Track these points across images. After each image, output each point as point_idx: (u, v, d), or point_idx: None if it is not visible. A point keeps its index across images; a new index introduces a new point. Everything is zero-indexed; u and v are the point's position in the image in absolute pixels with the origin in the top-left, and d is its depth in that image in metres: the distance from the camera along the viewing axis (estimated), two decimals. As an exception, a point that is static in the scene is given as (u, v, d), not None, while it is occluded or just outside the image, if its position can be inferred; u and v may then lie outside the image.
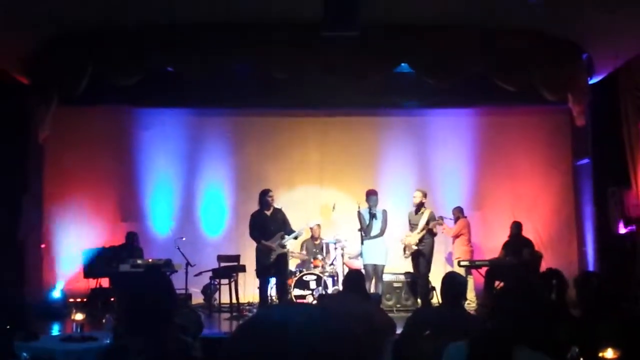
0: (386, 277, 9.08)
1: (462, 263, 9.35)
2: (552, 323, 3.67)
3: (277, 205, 8.74)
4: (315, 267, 9.29)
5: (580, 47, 8.65)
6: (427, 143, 10.75)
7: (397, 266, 9.31)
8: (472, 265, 9.33)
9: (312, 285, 8.95)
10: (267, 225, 8.49)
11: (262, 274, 8.57)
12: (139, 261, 8.80)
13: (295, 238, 9.11)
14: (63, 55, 8.29)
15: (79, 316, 5.14)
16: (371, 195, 8.73)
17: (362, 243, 8.74)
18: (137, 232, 9.78)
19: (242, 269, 9.33)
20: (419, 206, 8.86)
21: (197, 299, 9.63)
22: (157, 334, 2.55)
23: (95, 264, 9.19)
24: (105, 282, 9.29)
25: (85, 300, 9.08)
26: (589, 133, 9.21)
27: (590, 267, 9.24)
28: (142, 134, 10.61)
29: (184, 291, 8.80)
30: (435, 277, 8.24)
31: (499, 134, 10.64)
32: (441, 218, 9.62)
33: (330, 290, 8.92)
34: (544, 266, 8.69)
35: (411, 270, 9.08)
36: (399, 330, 4.59)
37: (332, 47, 8.03)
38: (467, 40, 8.44)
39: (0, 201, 8.19)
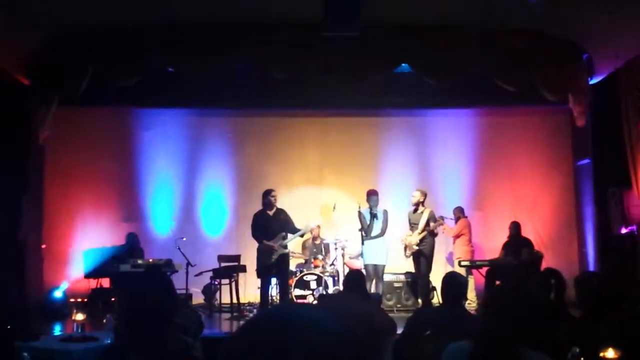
0: (387, 277, 9.08)
1: (463, 263, 9.35)
2: (551, 323, 3.67)
3: (277, 205, 8.73)
4: (316, 267, 9.29)
5: (581, 47, 8.65)
6: (428, 143, 10.75)
7: (397, 266, 9.31)
8: (472, 265, 9.33)
9: (313, 285, 8.95)
10: (269, 225, 8.48)
11: (263, 274, 8.56)
12: (140, 261, 8.81)
13: (302, 236, 9.11)
14: (63, 55, 8.30)
15: (79, 316, 5.14)
16: (372, 195, 8.73)
17: (362, 243, 8.74)
18: (137, 232, 9.79)
19: (243, 269, 9.33)
20: (417, 205, 8.85)
21: (198, 299, 9.63)
22: (157, 334, 2.55)
23: (96, 264, 9.20)
24: (106, 283, 9.29)
25: (86, 300, 9.07)
26: (589, 133, 9.21)
27: (591, 268, 9.24)
28: (143, 134, 10.62)
29: (184, 291, 8.81)
30: (436, 277, 8.24)
31: (500, 134, 10.64)
32: (442, 218, 9.62)
33: (330, 291, 8.92)
34: (544, 266, 8.69)
35: (412, 270, 9.09)
36: (399, 330, 4.59)
37: (332, 47, 8.03)
38: (467, 40, 8.44)
39: (0, 201, 8.19)
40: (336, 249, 9.61)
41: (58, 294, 8.98)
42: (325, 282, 8.95)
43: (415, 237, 8.72)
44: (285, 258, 8.50)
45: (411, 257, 8.88)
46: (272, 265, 8.40)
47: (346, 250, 9.57)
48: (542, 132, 10.51)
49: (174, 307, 2.85)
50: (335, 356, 1.08)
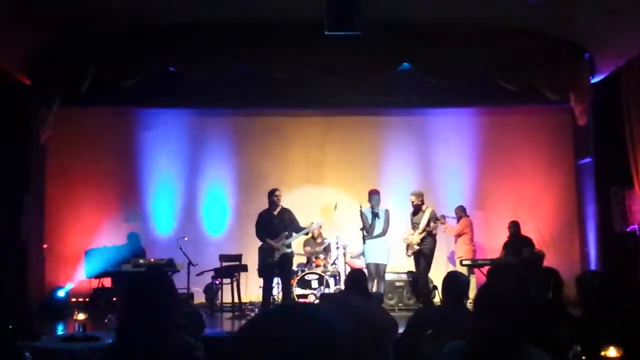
0: (388, 277, 9.08)
1: (465, 262, 9.35)
2: (551, 322, 3.67)
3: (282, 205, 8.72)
4: (317, 266, 9.29)
5: (582, 46, 8.64)
6: (429, 143, 10.74)
7: (399, 265, 9.31)
8: (474, 265, 9.32)
9: (314, 284, 8.95)
10: (272, 224, 8.48)
11: (265, 274, 8.56)
12: (141, 261, 8.82)
13: (306, 234, 9.12)
14: (65, 55, 8.30)
15: (81, 316, 5.15)
16: (373, 194, 8.75)
17: (364, 242, 8.74)
18: (139, 232, 9.80)
19: (244, 268, 9.33)
20: (417, 207, 8.87)
21: (199, 298, 9.64)
22: (159, 334, 2.55)
23: (98, 263, 9.21)
24: (107, 282, 9.31)
25: (87, 300, 9.10)
26: (590, 132, 9.20)
27: (593, 267, 9.23)
28: (144, 134, 10.62)
29: (185, 291, 8.81)
30: (438, 277, 8.23)
31: (501, 133, 10.63)
32: (443, 217, 9.62)
33: (332, 290, 8.92)
34: (545, 265, 8.69)
35: (413, 269, 9.09)
36: (401, 330, 4.59)
37: (333, 47, 8.02)
38: (469, 40, 8.44)
39: (2, 201, 8.20)
40: (337, 248, 9.61)
41: (61, 294, 9.00)
42: (327, 281, 8.95)
43: (416, 237, 8.73)
44: (288, 258, 8.50)
45: (412, 257, 8.89)
46: (274, 265, 8.41)
47: (347, 250, 9.57)
48: (543, 131, 10.50)
49: (176, 306, 2.85)
50: (337, 356, 1.08)
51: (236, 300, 9.12)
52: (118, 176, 10.49)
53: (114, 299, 8.77)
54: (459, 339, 2.65)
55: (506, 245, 9.34)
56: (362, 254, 8.96)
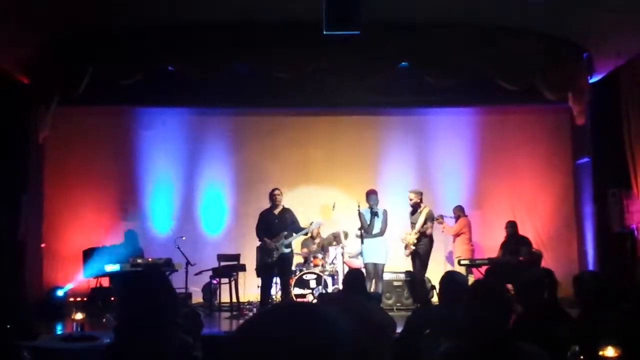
0: (386, 276, 9.08)
1: (463, 262, 9.35)
2: (547, 322, 3.68)
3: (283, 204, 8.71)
4: (315, 266, 9.29)
5: (581, 46, 8.65)
6: (427, 142, 10.75)
7: (397, 265, 9.31)
8: (472, 264, 9.32)
9: (312, 284, 8.95)
10: (272, 223, 8.48)
11: (263, 273, 8.56)
12: (139, 260, 8.81)
13: (306, 234, 9.12)
14: (63, 55, 8.29)
15: (79, 315, 5.16)
16: (372, 194, 8.75)
17: (362, 242, 8.74)
18: (137, 231, 9.79)
19: (242, 268, 9.33)
20: (415, 206, 8.86)
21: (197, 298, 9.63)
22: (157, 334, 2.55)
23: (96, 263, 9.20)
24: (105, 282, 9.30)
25: (85, 299, 9.09)
26: (588, 132, 9.21)
27: (590, 267, 9.24)
28: (143, 134, 10.62)
29: (184, 290, 8.80)
30: (436, 276, 8.23)
31: (499, 133, 10.64)
32: (441, 217, 9.62)
33: (330, 290, 8.92)
34: (543, 265, 8.70)
35: (411, 269, 9.09)
36: (399, 329, 4.59)
37: (333, 46, 8.02)
38: (467, 40, 8.44)
39: (0, 201, 8.18)
40: (336, 248, 9.61)
41: (60, 293, 9.00)
42: (325, 281, 8.95)
43: (412, 236, 8.72)
44: (286, 257, 8.47)
45: (410, 257, 8.88)
46: (273, 264, 8.40)
47: (346, 250, 9.57)
48: (541, 131, 10.51)
49: (174, 306, 2.85)
50: (335, 356, 1.08)
51: (234, 299, 9.12)
52: (116, 176, 10.48)
53: (112, 298, 8.76)
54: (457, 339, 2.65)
55: (504, 245, 9.34)
56: (360, 253, 8.96)
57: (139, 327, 2.56)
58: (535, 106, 9.87)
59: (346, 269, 8.54)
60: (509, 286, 8.48)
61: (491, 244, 9.84)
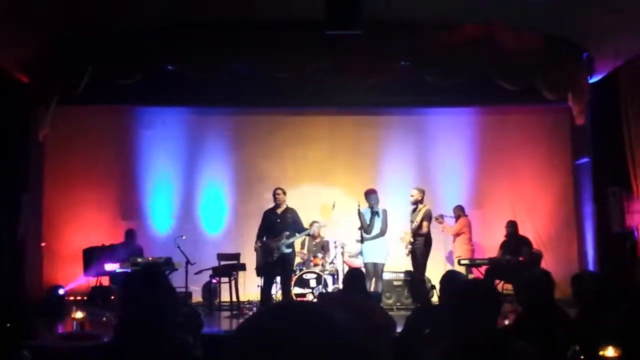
0: (386, 276, 9.08)
1: (463, 262, 9.34)
2: (547, 322, 3.68)
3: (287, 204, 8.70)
4: (316, 265, 9.29)
5: (581, 46, 8.65)
6: (428, 142, 10.76)
7: (397, 265, 9.31)
8: (472, 264, 9.32)
9: (312, 283, 8.95)
10: (274, 223, 8.47)
11: (264, 273, 8.55)
12: (139, 259, 8.81)
13: (308, 235, 9.12)
14: (63, 54, 8.28)
15: (79, 314, 5.16)
16: (372, 193, 8.73)
17: (362, 242, 8.74)
18: (137, 230, 9.79)
19: (242, 267, 9.33)
20: (416, 204, 8.83)
21: (197, 297, 9.64)
22: (157, 333, 2.55)
23: (96, 262, 9.21)
24: (105, 281, 9.31)
25: (85, 298, 9.10)
26: (588, 132, 9.21)
27: (590, 267, 9.24)
28: (142, 133, 10.62)
29: (184, 289, 8.80)
30: (436, 276, 8.23)
31: (499, 132, 10.65)
32: (441, 216, 9.62)
33: (330, 289, 8.92)
34: (543, 265, 8.70)
35: (411, 268, 9.08)
36: (399, 329, 4.60)
37: (333, 45, 8.02)
38: (468, 39, 8.43)
39: (0, 200, 8.19)
40: (336, 247, 9.61)
41: (61, 292, 9.01)
42: (325, 280, 8.95)
43: (409, 235, 8.70)
44: (287, 257, 8.43)
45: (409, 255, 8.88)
46: (273, 264, 8.38)
47: (346, 249, 9.58)
48: (541, 130, 10.51)
49: (174, 305, 2.85)
50: (335, 355, 1.08)
51: (234, 299, 9.12)
52: (116, 175, 10.49)
53: (112, 297, 8.77)
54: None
55: (503, 245, 9.33)
56: (360, 253, 8.96)
57: (139, 326, 2.56)
58: (535, 106, 9.87)
59: (346, 269, 8.54)
60: (509, 286, 8.54)
61: (491, 243, 9.84)
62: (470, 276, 9.17)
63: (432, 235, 8.80)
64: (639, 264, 8.17)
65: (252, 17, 8.14)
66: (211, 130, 10.82)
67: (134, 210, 10.48)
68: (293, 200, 9.25)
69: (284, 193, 8.62)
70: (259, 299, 8.85)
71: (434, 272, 8.72)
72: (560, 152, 10.44)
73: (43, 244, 9.40)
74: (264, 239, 8.50)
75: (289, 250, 8.44)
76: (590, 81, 8.86)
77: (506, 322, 5.45)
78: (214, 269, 9.26)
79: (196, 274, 9.11)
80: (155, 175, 10.55)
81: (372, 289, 8.31)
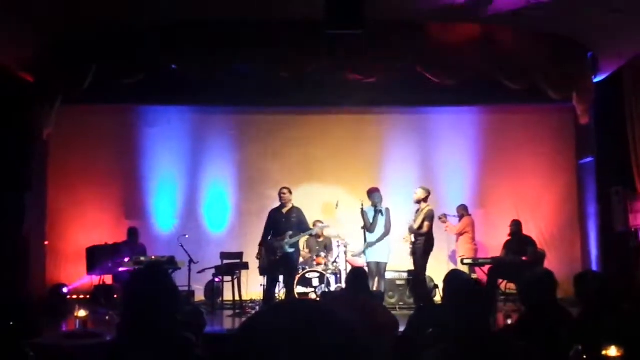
0: (389, 275, 9.07)
1: (466, 261, 9.32)
2: (549, 322, 3.67)
3: (278, 203, 8.69)
4: (318, 264, 9.29)
5: (585, 45, 8.63)
6: (431, 141, 10.75)
7: (399, 264, 9.30)
8: (475, 263, 9.30)
9: (315, 282, 8.95)
10: (279, 222, 8.45)
11: (267, 272, 8.55)
12: (142, 258, 8.83)
13: (311, 235, 9.11)
14: (67, 53, 8.31)
15: (82, 313, 5.16)
16: (375, 192, 8.70)
17: (365, 241, 8.72)
18: (140, 229, 9.80)
19: (245, 266, 9.33)
20: (418, 202, 8.79)
21: (200, 296, 9.65)
22: (159, 331, 2.56)
23: (99, 261, 9.22)
24: (108, 279, 9.32)
25: (88, 297, 9.12)
26: (592, 132, 9.19)
27: (594, 266, 9.22)
28: (146, 132, 10.64)
29: (186, 288, 8.82)
30: (439, 276, 8.23)
31: (503, 132, 10.63)
32: (445, 216, 9.60)
33: (333, 288, 8.92)
34: (546, 265, 8.68)
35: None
36: (401, 328, 4.59)
37: (335, 45, 8.02)
38: (471, 38, 8.42)
39: (4, 198, 8.21)
40: (339, 246, 9.61)
41: (64, 291, 9.03)
42: (328, 279, 8.96)
43: (409, 235, 8.67)
44: (291, 256, 8.39)
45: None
46: (276, 263, 8.36)
47: (348, 248, 9.57)
48: (545, 130, 10.49)
49: (176, 304, 2.85)
50: (338, 354, 1.08)
51: (237, 298, 9.13)
52: (119, 174, 10.50)
53: (115, 296, 8.78)
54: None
55: (507, 244, 9.31)
56: (363, 252, 8.94)
57: (142, 325, 2.56)
58: (539, 105, 9.85)
59: (349, 268, 8.54)
60: (512, 285, 8.51)
61: (494, 243, 9.83)
62: (474, 276, 9.16)
63: (435, 235, 8.74)
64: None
65: (252, 17, 8.14)
66: (214, 130, 10.83)
67: (137, 209, 10.50)
68: (296, 199, 9.25)
69: (290, 192, 8.59)
70: (262, 298, 8.84)
71: (437, 271, 8.72)
72: (564, 152, 10.42)
73: (46, 243, 9.42)
74: (269, 238, 8.49)
75: (292, 250, 8.39)
76: (595, 81, 8.85)
77: (509, 321, 5.45)
78: (216, 267, 9.27)
79: (199, 272, 9.13)
80: (159, 174, 10.57)
81: (374, 288, 8.30)
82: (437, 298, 8.88)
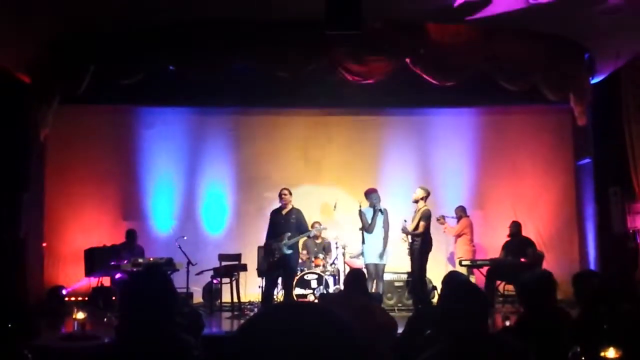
0: (387, 277, 9.07)
1: (464, 262, 9.33)
2: (548, 322, 3.67)
3: (277, 204, 8.68)
4: (317, 266, 9.29)
5: (582, 46, 8.64)
6: (429, 142, 10.75)
7: (398, 265, 9.30)
8: (473, 265, 9.31)
9: (314, 284, 8.94)
10: (278, 224, 8.44)
11: (265, 273, 8.54)
12: (140, 260, 8.82)
13: (309, 237, 9.11)
14: (64, 54, 8.29)
15: (80, 315, 5.16)
16: (372, 192, 8.70)
17: (363, 242, 8.73)
18: (138, 230, 9.79)
19: (244, 267, 9.33)
20: (416, 202, 8.77)
21: (198, 298, 9.64)
22: (158, 333, 2.55)
23: (97, 262, 9.21)
24: (106, 281, 9.31)
25: (86, 299, 9.11)
26: (590, 133, 9.20)
27: (592, 267, 9.22)
28: (144, 133, 10.62)
29: (185, 290, 8.81)
30: (438, 277, 8.22)
31: (501, 133, 10.64)
32: (443, 217, 9.60)
33: (331, 290, 8.92)
34: (544, 266, 8.69)
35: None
36: (400, 330, 4.59)
37: (334, 45, 8.02)
38: (469, 39, 8.42)
39: (1, 199, 8.19)
40: (337, 248, 9.61)
41: (63, 292, 9.02)
42: (326, 281, 8.95)
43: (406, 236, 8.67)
44: (289, 258, 8.37)
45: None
46: (275, 265, 8.34)
47: (347, 250, 9.56)
48: (543, 131, 10.51)
49: (174, 305, 2.84)
50: (336, 355, 1.08)
51: (235, 299, 9.12)
52: (117, 175, 10.49)
53: (113, 298, 8.77)
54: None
55: (506, 246, 9.31)
56: (361, 254, 8.94)
57: (140, 327, 2.56)
58: (537, 106, 9.86)
59: (347, 269, 8.53)
60: (511, 287, 8.51)
61: (493, 244, 9.83)
62: (472, 277, 9.16)
63: (434, 236, 8.73)
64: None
65: (252, 17, 8.14)
66: (212, 130, 10.82)
67: (135, 210, 10.48)
68: (295, 200, 9.25)
69: (290, 193, 8.56)
70: (260, 300, 8.83)
71: (436, 273, 8.71)
72: (561, 153, 10.43)
73: (44, 244, 9.40)
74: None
75: (290, 251, 8.36)
76: (592, 82, 8.86)
77: (507, 322, 5.45)
78: (215, 269, 9.26)
79: (197, 274, 9.12)
80: (157, 176, 10.55)
81: (373, 290, 8.31)
82: (436, 299, 8.87)
